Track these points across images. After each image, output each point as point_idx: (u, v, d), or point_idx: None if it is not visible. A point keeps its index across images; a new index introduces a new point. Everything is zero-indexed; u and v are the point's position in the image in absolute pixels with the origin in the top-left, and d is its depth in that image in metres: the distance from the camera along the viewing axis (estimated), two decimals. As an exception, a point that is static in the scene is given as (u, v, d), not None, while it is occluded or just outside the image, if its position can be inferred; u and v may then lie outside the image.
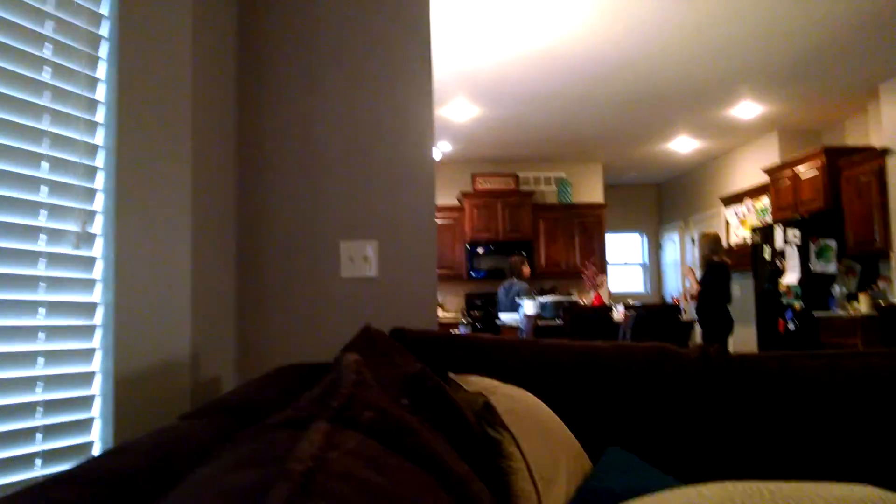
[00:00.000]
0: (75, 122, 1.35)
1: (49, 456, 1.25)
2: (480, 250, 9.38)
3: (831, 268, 6.86)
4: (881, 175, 6.48)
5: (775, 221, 7.58)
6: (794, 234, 7.07)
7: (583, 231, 9.67)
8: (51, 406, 1.27)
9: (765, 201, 8.33)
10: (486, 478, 1.06)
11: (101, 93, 1.42)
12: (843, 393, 1.69)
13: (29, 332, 1.24)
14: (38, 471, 1.24)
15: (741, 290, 8.61)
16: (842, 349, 1.88)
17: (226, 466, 0.42)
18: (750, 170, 8.81)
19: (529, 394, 1.39)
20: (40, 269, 1.26)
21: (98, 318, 1.40)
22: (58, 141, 1.31)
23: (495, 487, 1.09)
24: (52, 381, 1.28)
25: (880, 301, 6.19)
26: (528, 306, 6.50)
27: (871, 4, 4.80)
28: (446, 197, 9.67)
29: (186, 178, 1.59)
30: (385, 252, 2.17)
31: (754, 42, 5.47)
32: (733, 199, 9.21)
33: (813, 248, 6.92)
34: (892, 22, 5.06)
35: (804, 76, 6.31)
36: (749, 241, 8.30)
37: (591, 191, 10.06)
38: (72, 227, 1.34)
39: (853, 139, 7.58)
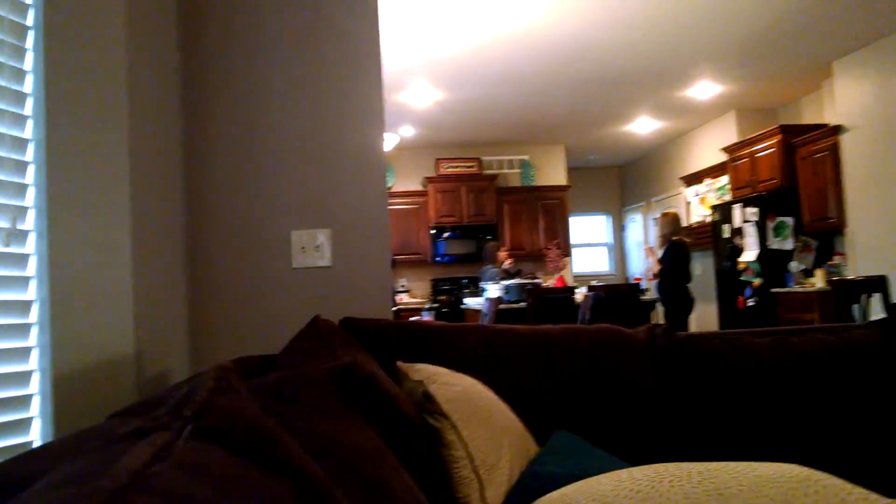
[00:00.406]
0: (1, 116, 1.31)
1: (-16, 458, 1.22)
2: (446, 235, 9.39)
3: (788, 244, 7.01)
4: (835, 152, 6.61)
5: (734, 200, 7.71)
6: (752, 212, 7.20)
7: (546, 213, 9.72)
8: (-15, 407, 1.24)
9: (723, 180, 8.46)
10: (427, 467, 1.07)
11: (28, 85, 1.38)
12: (789, 369, 1.73)
13: (-42, 333, 1.20)
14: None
15: (702, 268, 8.75)
16: (797, 325, 1.92)
17: (50, 484, 0.41)
18: (709, 149, 8.93)
19: (473, 380, 1.40)
20: (-32, 268, 1.22)
21: (33, 315, 1.37)
22: (-17, 135, 1.26)
23: (437, 476, 1.10)
24: (-15, 382, 1.25)
25: (835, 276, 6.34)
26: (491, 290, 6.53)
27: (821, -16, 4.87)
28: (410, 182, 9.65)
29: (124, 170, 1.56)
30: (338, 241, 2.15)
31: (710, 22, 5.52)
32: (693, 179, 9.33)
33: (770, 225, 7.05)
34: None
35: (759, 55, 6.39)
36: (708, 220, 8.43)
37: (554, 173, 10.11)
38: (2, 223, 1.31)
39: (809, 117, 7.71)
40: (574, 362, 1.69)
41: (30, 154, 1.38)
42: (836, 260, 6.72)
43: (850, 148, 6.46)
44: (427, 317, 7.82)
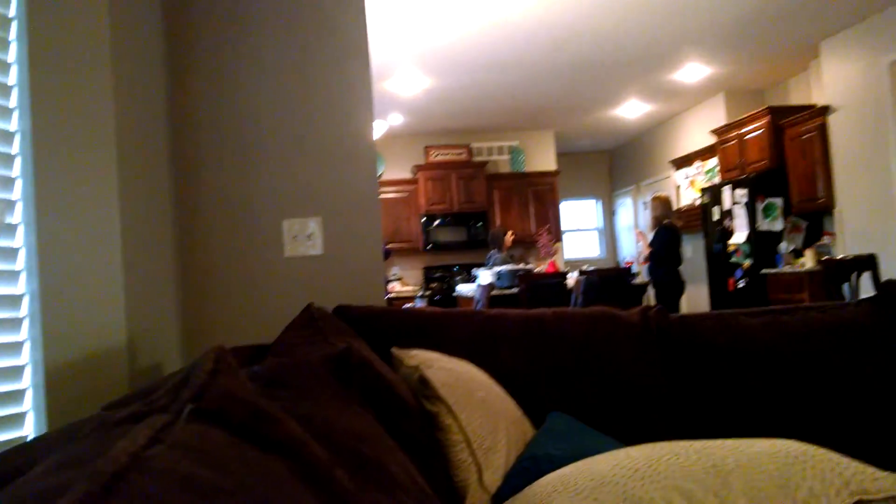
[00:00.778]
0: (-14, 108, 1.30)
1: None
2: (436, 222, 9.38)
3: (777, 225, 7.04)
4: (823, 132, 6.63)
5: (723, 182, 7.72)
6: (742, 194, 7.22)
7: (537, 199, 9.72)
8: (-22, 402, 1.23)
9: (713, 162, 8.47)
10: (425, 451, 1.07)
11: (13, 76, 1.36)
12: (783, 347, 1.74)
13: (-52, 328, 1.19)
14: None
15: (692, 250, 8.79)
16: (788, 305, 1.93)
17: (48, 468, 0.41)
18: (698, 132, 8.94)
19: (469, 364, 1.40)
20: (-43, 262, 1.21)
21: (24, 308, 1.36)
22: (-32, 128, 1.25)
23: (435, 460, 1.10)
24: (-23, 377, 1.24)
25: (825, 256, 6.37)
26: (484, 276, 6.53)
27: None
28: (400, 170, 9.62)
29: (111, 160, 1.54)
30: (329, 229, 2.14)
31: (697, 4, 5.51)
32: (683, 162, 9.35)
33: (759, 206, 7.07)
34: (829, -19, 5.14)
35: (747, 37, 6.39)
36: (698, 203, 8.45)
37: (544, 159, 10.10)
38: (-10, 216, 1.29)
39: (797, 98, 7.73)
40: (568, 346, 1.70)
41: (16, 146, 1.36)
42: (826, 240, 6.76)
43: (838, 128, 6.48)
44: (420, 304, 7.83)
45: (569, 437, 1.32)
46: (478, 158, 9.80)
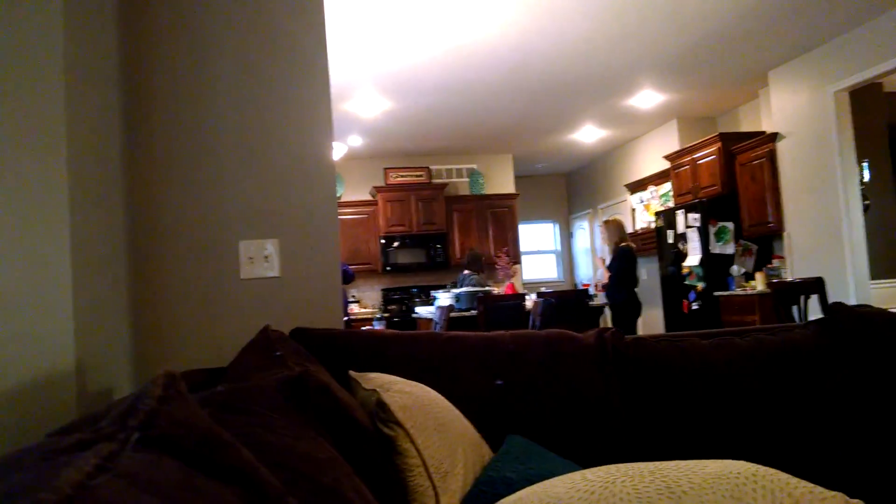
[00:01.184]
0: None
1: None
2: (396, 244, 9.37)
3: (729, 249, 7.20)
4: (772, 158, 6.84)
5: (677, 206, 7.89)
6: (695, 218, 7.38)
7: (496, 221, 9.79)
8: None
9: (667, 187, 8.65)
10: (382, 476, 1.06)
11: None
12: (734, 369, 1.77)
13: None
14: None
15: (647, 273, 8.94)
16: (740, 326, 1.97)
17: None
18: (652, 157, 9.13)
19: (426, 387, 1.39)
20: None
21: (-33, 332, 1.31)
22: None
23: (392, 485, 1.09)
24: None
25: (775, 279, 6.54)
26: (442, 298, 6.53)
27: (756, -3, 5.05)
28: (359, 192, 9.61)
29: (62, 176, 1.50)
30: (287, 250, 2.12)
31: (651, 34, 5.66)
32: (638, 186, 9.53)
33: (712, 230, 7.24)
34: (777, 10, 5.33)
35: (698, 65, 6.58)
36: (653, 226, 8.61)
37: (502, 182, 10.19)
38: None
39: (747, 125, 7.97)
40: (526, 367, 1.71)
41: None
42: (776, 263, 6.94)
43: (786, 154, 6.69)
44: (378, 326, 7.78)
45: (526, 460, 1.32)
46: (437, 180, 9.84)
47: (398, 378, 1.41)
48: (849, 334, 1.82)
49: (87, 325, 1.62)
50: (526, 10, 5.04)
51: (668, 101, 7.74)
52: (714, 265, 7.18)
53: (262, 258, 2.10)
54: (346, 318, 6.96)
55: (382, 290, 9.62)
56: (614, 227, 6.45)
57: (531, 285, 10.18)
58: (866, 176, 6.47)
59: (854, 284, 5.93)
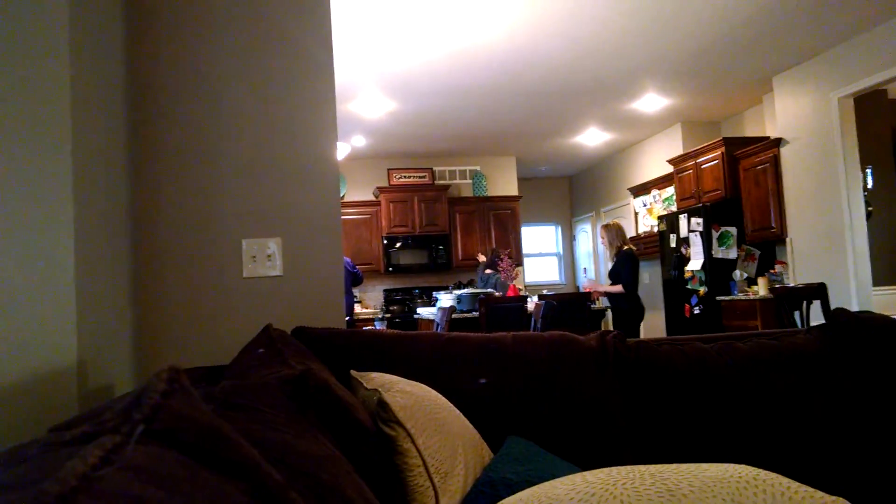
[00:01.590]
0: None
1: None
2: (398, 245, 9.37)
3: (732, 254, 7.20)
4: (776, 164, 6.83)
5: (680, 210, 7.88)
6: (697, 223, 7.37)
7: (498, 223, 9.79)
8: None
9: (670, 191, 8.65)
10: (382, 476, 1.06)
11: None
12: (736, 373, 1.77)
13: None
14: None
15: (649, 276, 8.93)
16: (742, 331, 1.98)
17: None
18: (656, 161, 9.13)
19: (427, 388, 1.40)
20: None
21: (-30, 327, 1.32)
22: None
23: (392, 485, 1.09)
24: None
25: (777, 284, 6.53)
26: (444, 299, 6.53)
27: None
28: (362, 192, 9.62)
29: (66, 174, 1.51)
30: (289, 249, 2.12)
31: (656, 38, 5.66)
32: (641, 190, 9.52)
33: (715, 235, 7.23)
34: (782, 16, 5.33)
35: (703, 70, 6.57)
36: (656, 230, 8.61)
37: (505, 184, 10.19)
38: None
39: (751, 130, 7.96)
40: (527, 369, 1.70)
41: (-33, 159, 1.33)
42: (778, 268, 6.93)
43: (790, 160, 6.68)
44: (380, 327, 7.78)
45: (526, 462, 1.32)
46: (440, 182, 9.85)
47: (399, 378, 1.41)
48: (851, 340, 1.81)
49: (90, 323, 1.62)
50: (531, 13, 5.04)
51: (672, 105, 7.74)
52: (716, 270, 7.17)
53: (264, 257, 2.10)
54: (347, 319, 6.96)
55: (384, 290, 9.62)
56: (614, 231, 6.44)
57: (533, 288, 10.18)
58: (869, 182, 6.47)
59: (856, 291, 5.92)
